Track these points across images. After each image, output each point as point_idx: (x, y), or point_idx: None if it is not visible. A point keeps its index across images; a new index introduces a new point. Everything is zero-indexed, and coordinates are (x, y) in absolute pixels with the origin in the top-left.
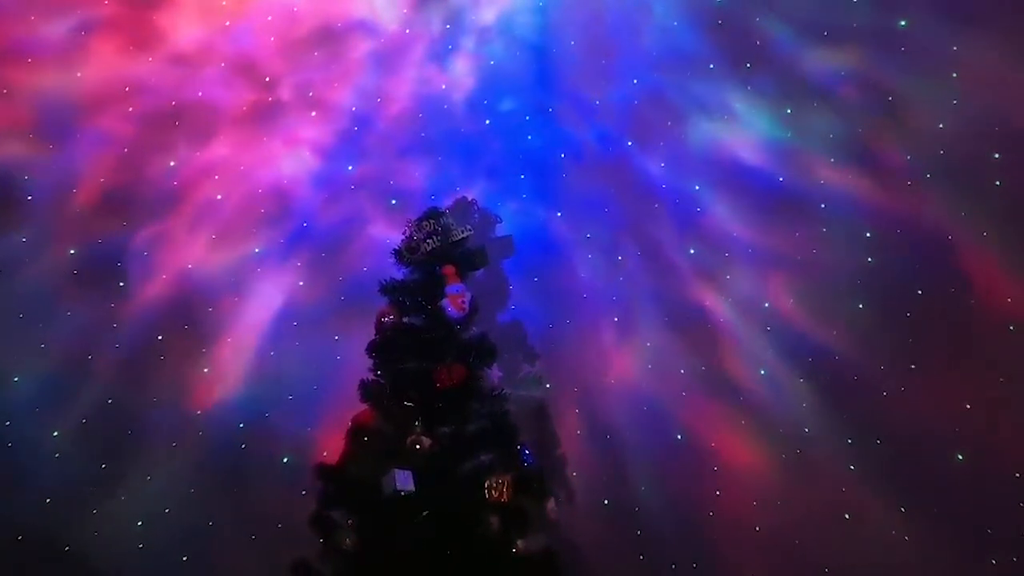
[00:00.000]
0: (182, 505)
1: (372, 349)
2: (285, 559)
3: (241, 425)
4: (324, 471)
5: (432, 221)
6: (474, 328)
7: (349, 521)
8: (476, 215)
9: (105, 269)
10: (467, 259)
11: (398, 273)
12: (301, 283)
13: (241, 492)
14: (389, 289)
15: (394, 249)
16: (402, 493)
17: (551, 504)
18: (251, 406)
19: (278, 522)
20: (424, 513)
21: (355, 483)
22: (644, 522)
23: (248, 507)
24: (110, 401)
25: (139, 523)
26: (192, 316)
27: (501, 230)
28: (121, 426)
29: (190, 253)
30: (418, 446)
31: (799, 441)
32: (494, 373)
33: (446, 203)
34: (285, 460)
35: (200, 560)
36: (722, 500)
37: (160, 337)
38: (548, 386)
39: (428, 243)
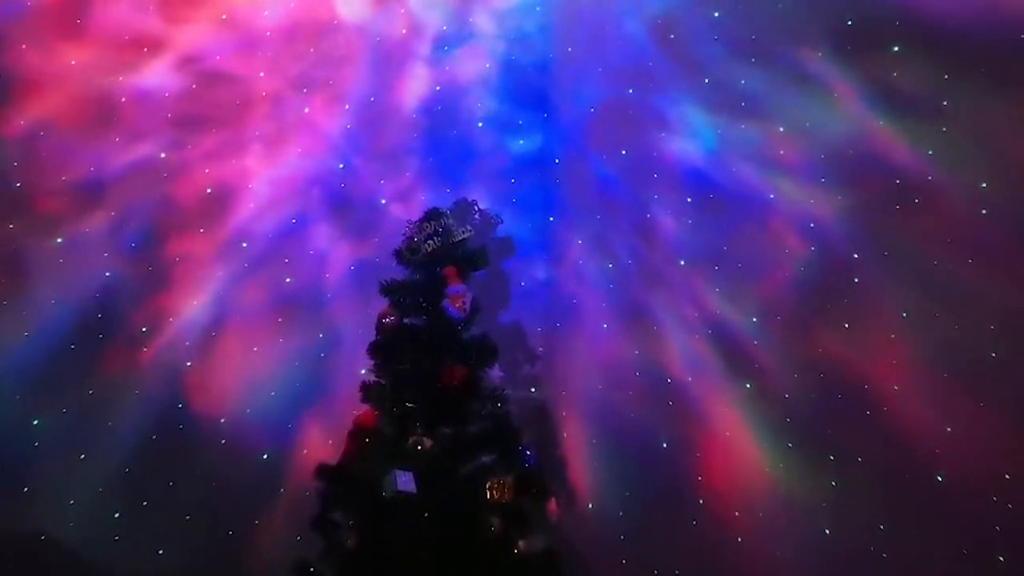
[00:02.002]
0: (160, 498)
1: (373, 350)
2: (261, 555)
3: (222, 420)
4: (325, 472)
5: (433, 222)
6: (475, 328)
7: (350, 522)
8: (477, 216)
9: (88, 258)
10: (468, 259)
11: (398, 273)
12: (288, 279)
13: (220, 487)
14: (390, 290)
15: (395, 250)
16: (402, 494)
17: (552, 505)
18: (232, 401)
19: (255, 519)
20: (425, 514)
21: (356, 484)
22: (627, 527)
23: (226, 503)
24: (91, 392)
25: (116, 515)
26: (176, 309)
27: (502, 231)
28: (101, 418)
29: (177, 244)
30: (419, 447)
31: (781, 455)
32: (495, 374)
33: (442, 204)
34: (265, 456)
35: (176, 553)
36: (705, 510)
37: (144, 329)
38: (533, 391)
39: (429, 244)
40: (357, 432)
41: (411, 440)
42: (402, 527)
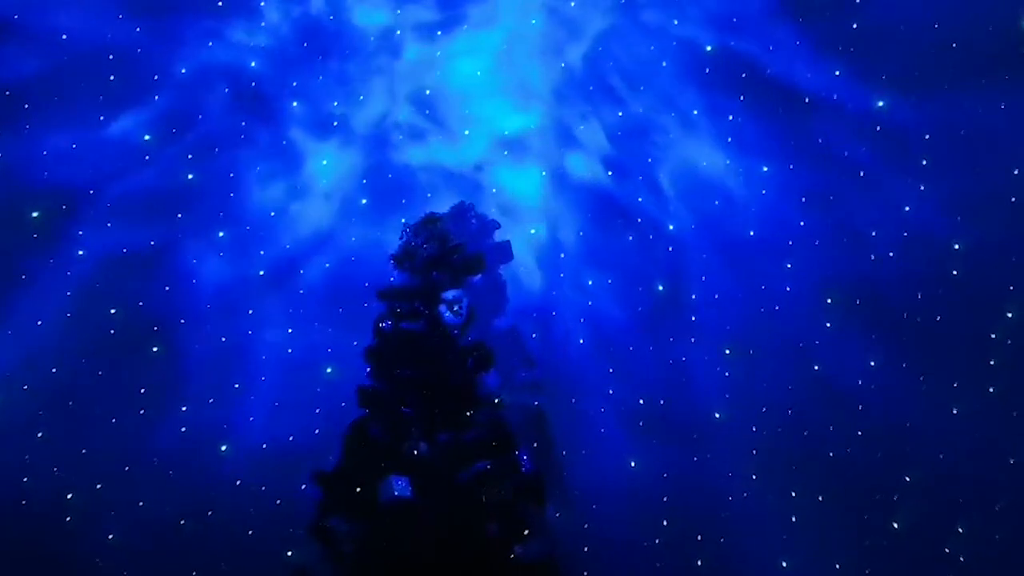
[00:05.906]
0: (115, 482)
1: (369, 355)
2: (214, 545)
3: (184, 408)
4: (321, 477)
5: (429, 226)
6: (471, 334)
7: (345, 528)
8: (474, 221)
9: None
10: (464, 265)
11: (394, 278)
12: (261, 272)
13: (177, 476)
14: (386, 295)
15: (391, 254)
16: (398, 500)
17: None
18: (196, 391)
19: (209, 509)
20: (421, 519)
21: (352, 489)
22: (592, 540)
23: (181, 493)
24: (54, 370)
25: (69, 496)
26: (146, 295)
27: (499, 236)
28: (64, 399)
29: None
30: (415, 452)
31: (747, 486)
32: (491, 379)
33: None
34: (224, 448)
35: (128, 540)
36: (668, 530)
37: (113, 311)
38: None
39: (425, 248)
40: (353, 437)
41: (407, 445)
42: (398, 532)
